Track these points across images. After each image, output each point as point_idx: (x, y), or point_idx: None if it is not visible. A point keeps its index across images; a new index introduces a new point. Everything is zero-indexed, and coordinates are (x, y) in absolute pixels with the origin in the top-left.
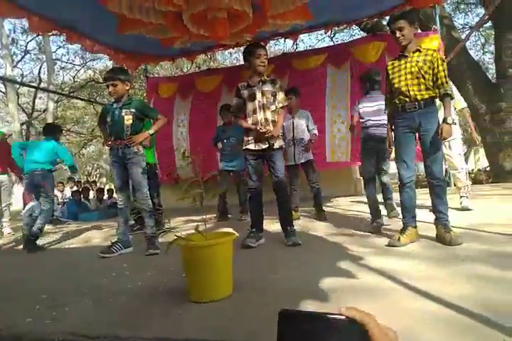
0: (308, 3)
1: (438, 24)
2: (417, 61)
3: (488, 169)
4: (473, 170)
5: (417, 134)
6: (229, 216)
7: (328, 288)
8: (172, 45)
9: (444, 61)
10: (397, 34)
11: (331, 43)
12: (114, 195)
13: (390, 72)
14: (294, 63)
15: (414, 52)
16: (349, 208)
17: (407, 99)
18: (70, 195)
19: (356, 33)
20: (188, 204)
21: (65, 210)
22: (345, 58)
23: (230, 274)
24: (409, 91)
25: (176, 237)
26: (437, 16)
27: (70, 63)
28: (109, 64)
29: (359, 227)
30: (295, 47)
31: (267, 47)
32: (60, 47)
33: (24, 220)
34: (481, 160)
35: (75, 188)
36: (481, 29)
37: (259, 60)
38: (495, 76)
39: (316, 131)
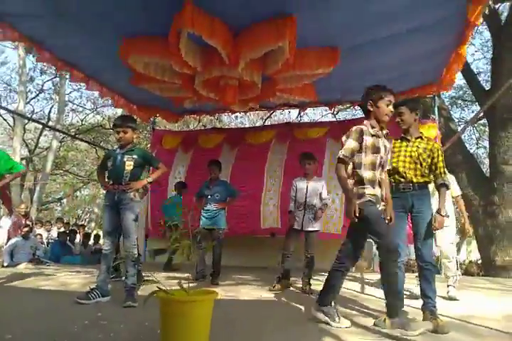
0: (315, 83)
1: (436, 114)
2: (418, 147)
3: (479, 261)
4: (464, 261)
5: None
6: (206, 277)
7: None
8: (182, 104)
9: (443, 152)
10: (397, 119)
11: (334, 119)
12: (100, 241)
13: (394, 151)
14: (296, 132)
15: (416, 138)
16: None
17: (403, 180)
18: (56, 235)
19: (358, 113)
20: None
21: (47, 251)
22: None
23: (208, 334)
24: (405, 173)
25: (157, 289)
26: (436, 107)
27: (82, 106)
28: (119, 111)
29: (345, 305)
30: (299, 118)
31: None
32: (74, 90)
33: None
34: (473, 252)
35: (62, 229)
36: (475, 125)
37: (387, 108)
38: (488, 170)
39: (328, 201)
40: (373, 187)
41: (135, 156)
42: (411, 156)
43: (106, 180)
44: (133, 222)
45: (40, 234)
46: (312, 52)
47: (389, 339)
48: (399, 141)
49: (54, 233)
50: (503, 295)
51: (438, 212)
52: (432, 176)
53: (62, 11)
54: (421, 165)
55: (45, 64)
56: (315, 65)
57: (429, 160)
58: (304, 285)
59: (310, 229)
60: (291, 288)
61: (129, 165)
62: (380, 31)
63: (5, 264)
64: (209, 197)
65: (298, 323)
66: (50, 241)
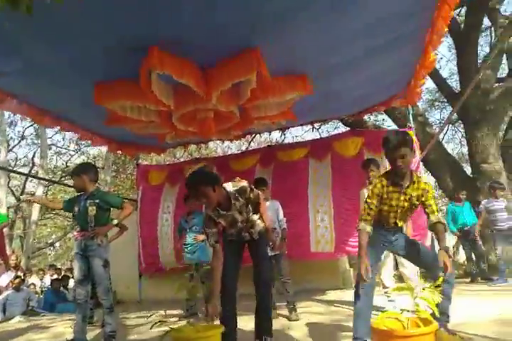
0: (292, 107)
1: (412, 122)
2: (411, 196)
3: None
4: (464, 261)
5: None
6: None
7: None
8: (165, 140)
9: (433, 191)
10: (399, 162)
11: (317, 133)
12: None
13: (380, 194)
14: (279, 155)
15: (409, 184)
16: (334, 304)
17: (390, 226)
18: (49, 283)
19: (340, 125)
20: (165, 297)
21: (41, 300)
22: (326, 152)
23: None
24: (396, 222)
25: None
26: (410, 115)
27: (65, 149)
28: (104, 150)
29: (339, 326)
30: (283, 137)
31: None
32: (56, 133)
33: None
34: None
35: (55, 276)
36: (457, 124)
37: (400, 161)
38: (471, 172)
39: (285, 226)
40: None
41: (97, 200)
42: (403, 207)
43: (74, 228)
44: (103, 268)
45: (34, 284)
46: (280, 80)
47: None
48: (391, 187)
49: (47, 281)
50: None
51: (444, 249)
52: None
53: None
54: (411, 211)
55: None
56: (285, 92)
57: (418, 203)
58: (289, 312)
59: (275, 252)
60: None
61: (92, 210)
62: (348, 51)
63: None
64: (187, 230)
65: None
66: (43, 289)
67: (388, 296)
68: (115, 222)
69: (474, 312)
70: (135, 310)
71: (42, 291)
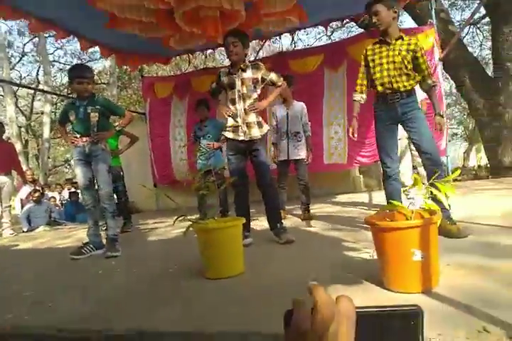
0: (302, 3)
1: (434, 18)
2: (400, 50)
3: (488, 166)
4: (474, 166)
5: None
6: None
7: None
8: (169, 44)
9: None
10: (373, 19)
11: (329, 42)
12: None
13: (369, 58)
14: (291, 64)
15: (397, 40)
16: (345, 205)
17: (389, 91)
18: (68, 196)
19: (354, 30)
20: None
21: (62, 212)
22: (341, 59)
23: (242, 253)
24: (391, 82)
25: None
26: (433, 10)
27: (68, 64)
28: (107, 65)
29: (350, 222)
30: (293, 46)
31: (253, 41)
32: (57, 48)
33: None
34: (483, 158)
35: (73, 189)
36: (479, 26)
37: (228, 50)
38: (493, 71)
39: (309, 133)
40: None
41: (99, 107)
42: (394, 62)
43: (72, 134)
44: (107, 172)
45: (54, 197)
46: None
47: None
48: (377, 45)
49: (66, 194)
50: (505, 194)
51: (438, 114)
52: (417, 78)
53: None
54: (406, 68)
55: (18, 22)
56: None
57: (414, 61)
58: (303, 212)
59: (297, 157)
60: (289, 216)
61: (95, 117)
62: None
63: (24, 229)
64: (201, 138)
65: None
66: (63, 202)
67: (407, 194)
68: (118, 128)
69: (490, 206)
70: (152, 218)
71: (62, 204)
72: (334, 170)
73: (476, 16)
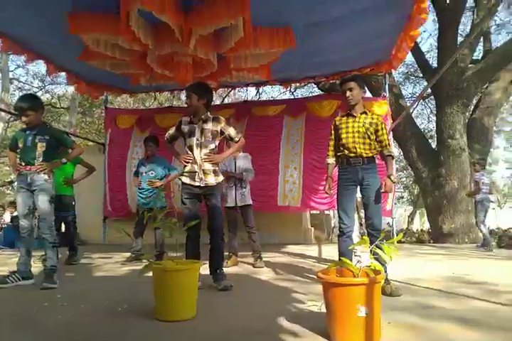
0: (273, 62)
1: (387, 92)
2: (364, 122)
3: (429, 230)
4: (417, 230)
5: (358, 188)
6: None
7: (258, 331)
8: (138, 82)
9: (385, 125)
10: (347, 94)
11: (292, 97)
12: None
13: (337, 126)
14: (254, 110)
15: (361, 114)
16: (296, 256)
17: (353, 154)
18: (10, 220)
19: (315, 90)
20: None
21: (1, 236)
22: (301, 111)
23: (196, 297)
24: (355, 147)
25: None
26: (386, 84)
27: (28, 84)
28: (69, 89)
29: (301, 274)
30: (258, 96)
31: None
32: (19, 66)
33: None
34: (426, 222)
35: (15, 213)
36: (427, 100)
37: (186, 101)
38: (436, 146)
39: (250, 177)
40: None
41: (47, 137)
42: (358, 132)
43: (17, 161)
44: (48, 203)
45: None
46: (266, 32)
47: None
48: (344, 117)
49: (7, 218)
50: (445, 259)
51: (389, 177)
52: (377, 148)
53: None
54: (369, 138)
55: None
56: (269, 44)
57: (375, 133)
58: (255, 259)
59: (244, 203)
60: (242, 262)
61: (42, 147)
62: (332, 10)
63: None
64: (143, 174)
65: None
66: (3, 226)
67: (354, 252)
68: (64, 160)
69: (428, 270)
70: (99, 251)
71: (1, 228)
72: (286, 211)
73: (427, 92)
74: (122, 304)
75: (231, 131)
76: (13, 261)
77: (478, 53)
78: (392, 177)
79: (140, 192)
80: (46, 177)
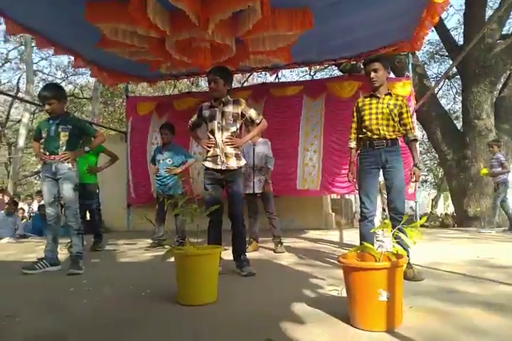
0: (291, 45)
1: (410, 72)
2: (389, 104)
3: (454, 214)
4: (441, 214)
5: (380, 171)
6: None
7: (279, 316)
8: (159, 69)
9: (409, 108)
10: (372, 75)
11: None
12: None
13: (360, 108)
14: (272, 90)
15: (385, 95)
16: (316, 241)
17: (376, 136)
18: (37, 209)
19: (336, 73)
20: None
21: (29, 225)
22: (321, 91)
23: (217, 282)
24: (379, 129)
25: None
26: (410, 64)
27: (52, 76)
28: (91, 80)
29: (321, 259)
30: (278, 80)
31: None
32: (42, 59)
33: None
34: (450, 206)
35: (42, 202)
36: (453, 80)
37: (209, 86)
38: (462, 126)
39: (271, 166)
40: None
41: (70, 126)
42: (382, 113)
43: (42, 151)
44: (73, 191)
45: (22, 209)
46: (284, 13)
47: None
48: (368, 98)
49: (35, 206)
50: (470, 243)
51: (415, 165)
52: (401, 131)
53: None
54: (393, 120)
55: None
56: (287, 26)
57: (399, 116)
58: (275, 245)
59: (261, 190)
60: (263, 248)
61: (65, 136)
62: None
63: None
64: (161, 162)
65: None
66: (31, 215)
67: (376, 236)
68: (87, 148)
69: (452, 254)
70: (123, 238)
71: (30, 216)
72: (305, 195)
73: (452, 71)
74: (145, 289)
75: (252, 113)
76: (41, 248)
77: (509, 28)
78: (418, 165)
79: (158, 179)
80: (70, 165)
